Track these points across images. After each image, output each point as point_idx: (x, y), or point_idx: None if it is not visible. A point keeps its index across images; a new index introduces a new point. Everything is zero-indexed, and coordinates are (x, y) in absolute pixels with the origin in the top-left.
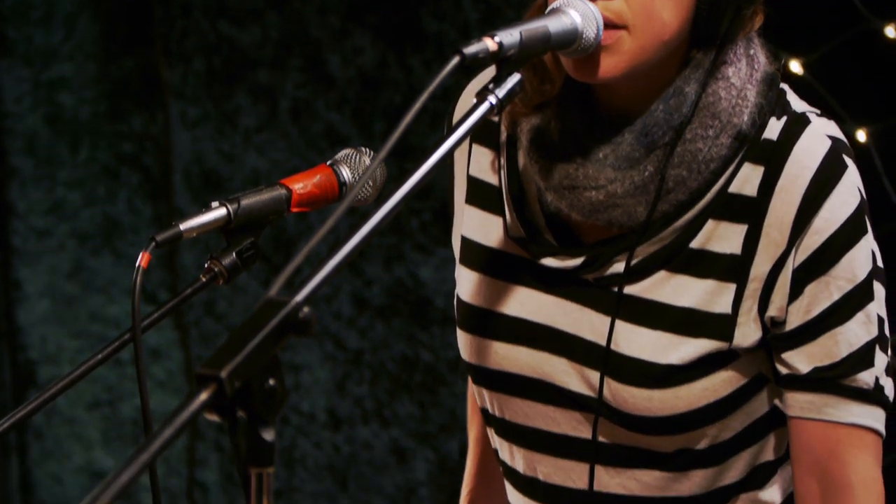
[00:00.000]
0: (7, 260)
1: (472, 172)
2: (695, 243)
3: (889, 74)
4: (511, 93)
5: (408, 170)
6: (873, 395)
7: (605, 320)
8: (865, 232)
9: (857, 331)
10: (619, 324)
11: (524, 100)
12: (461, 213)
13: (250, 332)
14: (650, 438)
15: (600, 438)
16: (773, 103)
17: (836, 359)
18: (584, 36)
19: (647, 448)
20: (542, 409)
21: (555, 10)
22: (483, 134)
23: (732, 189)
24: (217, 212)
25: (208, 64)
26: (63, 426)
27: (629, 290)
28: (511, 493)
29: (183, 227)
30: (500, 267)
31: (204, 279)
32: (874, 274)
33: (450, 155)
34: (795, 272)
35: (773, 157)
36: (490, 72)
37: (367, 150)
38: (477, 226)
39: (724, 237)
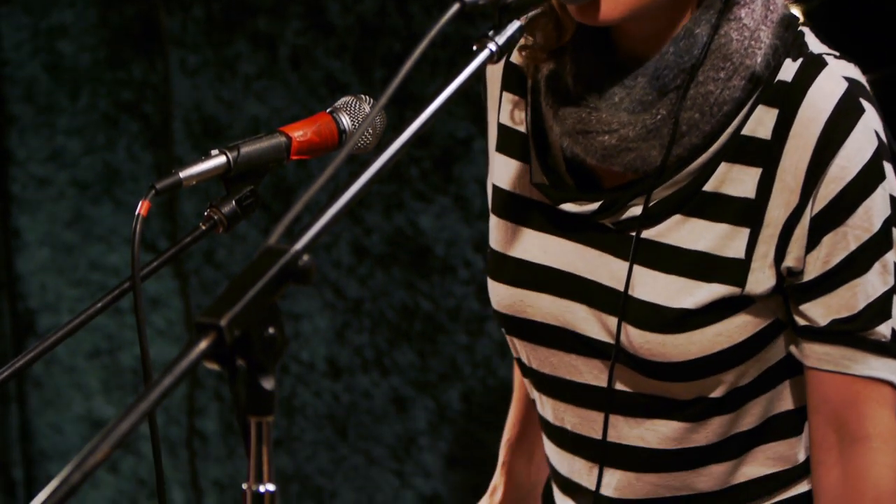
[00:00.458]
0: (6, 208)
1: (502, 120)
2: (708, 186)
3: (889, 22)
4: (511, 40)
5: (407, 118)
6: (891, 348)
7: (623, 265)
8: (883, 178)
9: (875, 282)
10: (635, 268)
11: (541, 45)
12: (493, 162)
13: (250, 280)
14: (667, 385)
15: (620, 387)
16: (789, 45)
17: (853, 311)
18: None
19: (663, 396)
20: (565, 357)
21: None
22: (512, 81)
23: (746, 132)
24: (217, 159)
25: (208, 11)
26: (62, 375)
27: (645, 234)
28: (546, 442)
29: (183, 174)
30: (524, 214)
31: (203, 227)
32: (892, 221)
33: (448, 104)
34: (812, 222)
35: (788, 100)
36: None
37: (367, 97)
38: (505, 173)
39: (737, 180)
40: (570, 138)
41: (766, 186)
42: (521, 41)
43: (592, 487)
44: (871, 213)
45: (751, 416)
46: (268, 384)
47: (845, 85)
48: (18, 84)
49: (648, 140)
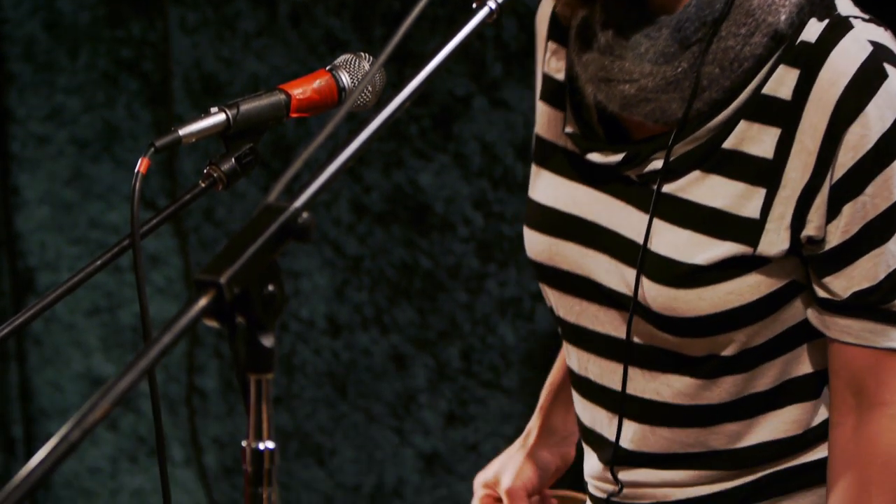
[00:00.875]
0: (6, 166)
1: (546, 69)
2: (727, 143)
3: None
4: None
5: (407, 75)
6: None
7: (643, 218)
8: None
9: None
10: (655, 222)
11: None
12: (537, 113)
13: (249, 237)
14: (679, 341)
15: (637, 340)
16: (816, 4)
17: (874, 281)
18: None
19: (676, 351)
20: (588, 307)
21: None
22: (556, 30)
23: (766, 91)
24: (216, 117)
25: None
26: (62, 333)
27: (666, 188)
28: (573, 393)
29: (182, 132)
30: (558, 163)
31: (203, 185)
32: None
33: (447, 61)
34: (832, 190)
35: (809, 61)
36: None
37: (367, 55)
38: (544, 122)
39: (756, 139)
40: (594, 85)
41: (784, 147)
42: None
43: (612, 438)
44: (892, 182)
45: (766, 378)
46: (267, 341)
47: (870, 49)
48: (18, 42)
49: (668, 92)
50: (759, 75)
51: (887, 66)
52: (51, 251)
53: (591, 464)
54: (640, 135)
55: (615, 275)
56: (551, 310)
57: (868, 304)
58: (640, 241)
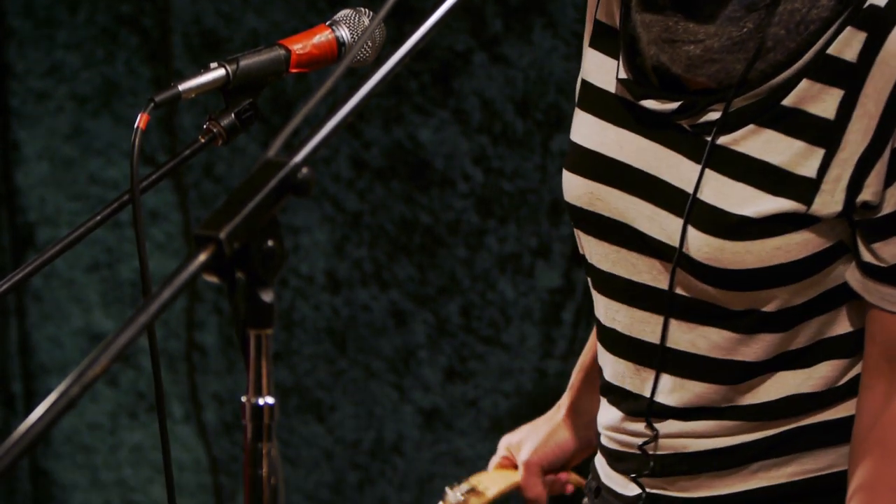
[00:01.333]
0: (5, 122)
1: (598, 16)
2: (788, 101)
3: None
4: None
5: (407, 31)
6: None
7: (693, 167)
8: None
9: None
10: (706, 172)
11: None
12: (585, 58)
13: (249, 192)
14: (719, 293)
15: (676, 290)
16: None
17: None
18: None
19: (716, 304)
20: (625, 254)
21: None
22: None
23: (832, 51)
24: (216, 72)
25: None
26: (62, 288)
27: (721, 140)
28: (598, 346)
29: (181, 87)
30: (606, 108)
31: (202, 140)
32: None
33: (447, 17)
34: (893, 155)
35: (878, 25)
36: None
37: (367, 10)
38: (594, 68)
39: (818, 99)
40: (657, 46)
41: (846, 109)
42: None
43: (635, 391)
44: None
45: (802, 337)
46: (267, 297)
47: None
48: None
49: (733, 52)
50: (825, 36)
51: None
52: (50, 207)
53: (609, 414)
54: (696, 87)
55: (657, 223)
56: (583, 257)
57: None
58: (689, 190)
